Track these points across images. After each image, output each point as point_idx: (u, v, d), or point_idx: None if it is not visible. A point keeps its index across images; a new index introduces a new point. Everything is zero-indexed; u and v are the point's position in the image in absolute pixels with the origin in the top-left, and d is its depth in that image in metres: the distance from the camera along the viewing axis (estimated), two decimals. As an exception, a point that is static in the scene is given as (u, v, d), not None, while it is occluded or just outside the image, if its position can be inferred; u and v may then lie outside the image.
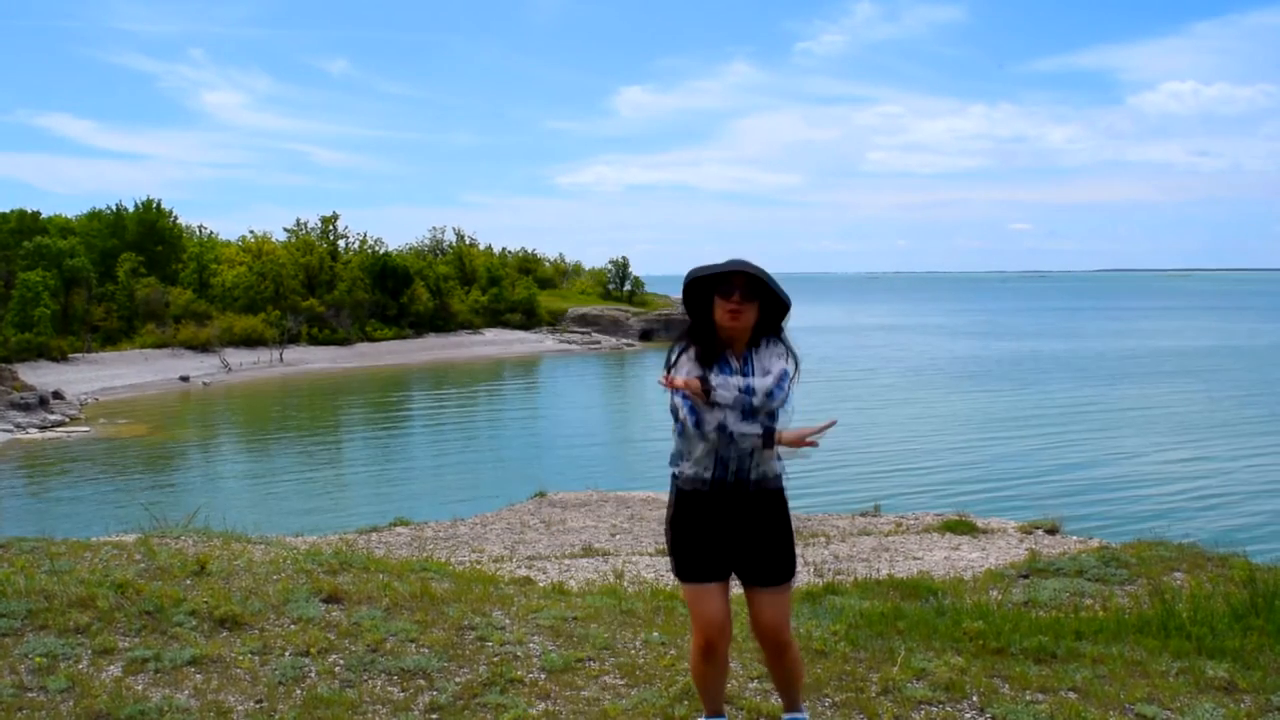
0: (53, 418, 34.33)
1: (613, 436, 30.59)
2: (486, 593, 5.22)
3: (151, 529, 6.72)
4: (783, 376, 2.94)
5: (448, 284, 71.81)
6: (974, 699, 3.74)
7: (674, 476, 3.05)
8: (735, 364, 2.98)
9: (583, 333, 71.61)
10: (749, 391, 2.88)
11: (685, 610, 5.15)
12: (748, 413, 2.89)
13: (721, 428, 2.89)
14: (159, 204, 62.41)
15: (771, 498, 3.04)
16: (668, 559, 3.17)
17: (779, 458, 3.06)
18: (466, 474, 25.83)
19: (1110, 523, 16.67)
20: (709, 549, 3.01)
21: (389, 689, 3.67)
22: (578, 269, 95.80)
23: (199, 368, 49.04)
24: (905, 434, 29.88)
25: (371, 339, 62.16)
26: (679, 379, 2.91)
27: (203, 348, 52.42)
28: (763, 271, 2.96)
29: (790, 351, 3.03)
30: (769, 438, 2.91)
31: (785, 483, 3.10)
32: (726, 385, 2.88)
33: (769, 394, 2.90)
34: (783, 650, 3.12)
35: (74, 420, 34.82)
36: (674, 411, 2.99)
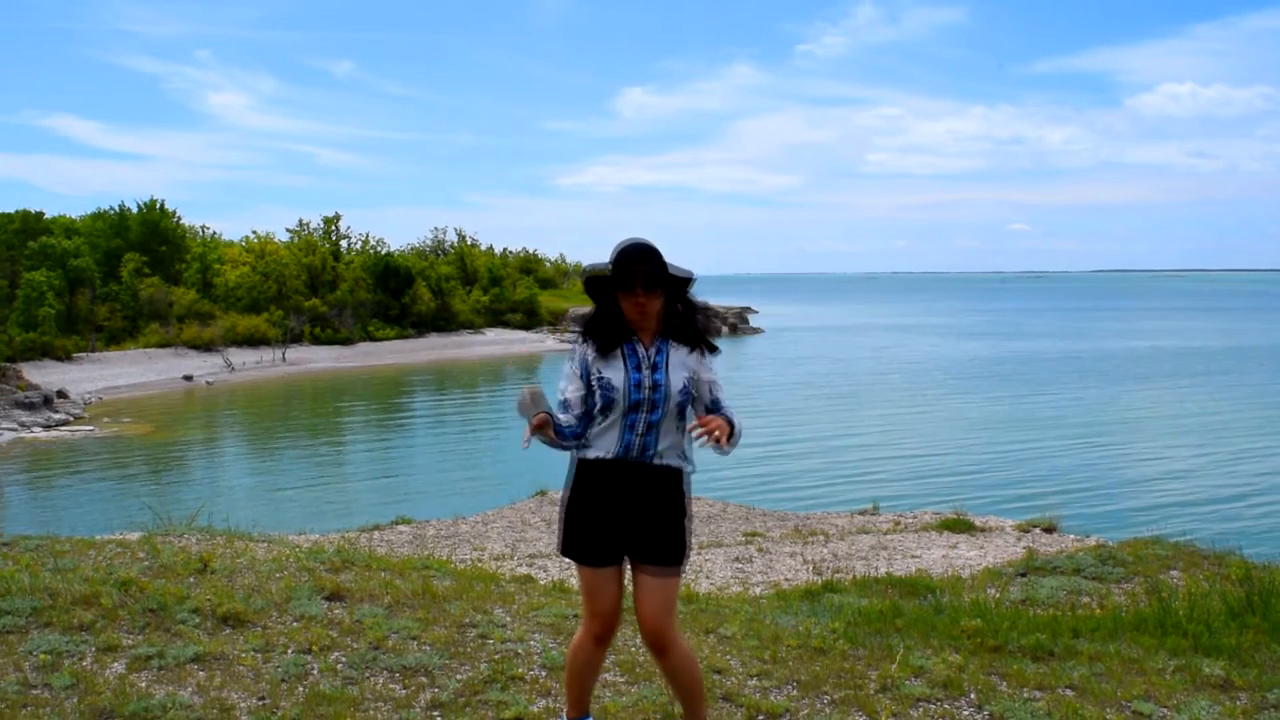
0: (57, 417, 34.37)
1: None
2: (488, 590, 5.25)
3: (155, 527, 6.74)
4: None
5: (449, 284, 71.81)
6: (972, 696, 3.76)
7: (576, 455, 3.04)
8: (644, 354, 2.98)
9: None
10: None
11: (686, 607, 5.18)
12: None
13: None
14: (163, 204, 62.49)
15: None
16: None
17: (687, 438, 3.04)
18: (468, 472, 25.84)
19: (1107, 521, 16.66)
20: (607, 528, 2.99)
21: (391, 686, 3.70)
22: (578, 269, 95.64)
23: (202, 367, 49.04)
24: (903, 433, 29.85)
25: (374, 339, 62.16)
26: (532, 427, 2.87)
27: (206, 347, 52.42)
28: (657, 253, 2.91)
29: (704, 348, 3.05)
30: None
31: (688, 469, 3.06)
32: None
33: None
34: (660, 653, 3.00)
35: (78, 419, 34.83)
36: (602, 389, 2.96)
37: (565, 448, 3.01)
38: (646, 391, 2.96)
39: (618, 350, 2.99)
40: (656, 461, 2.98)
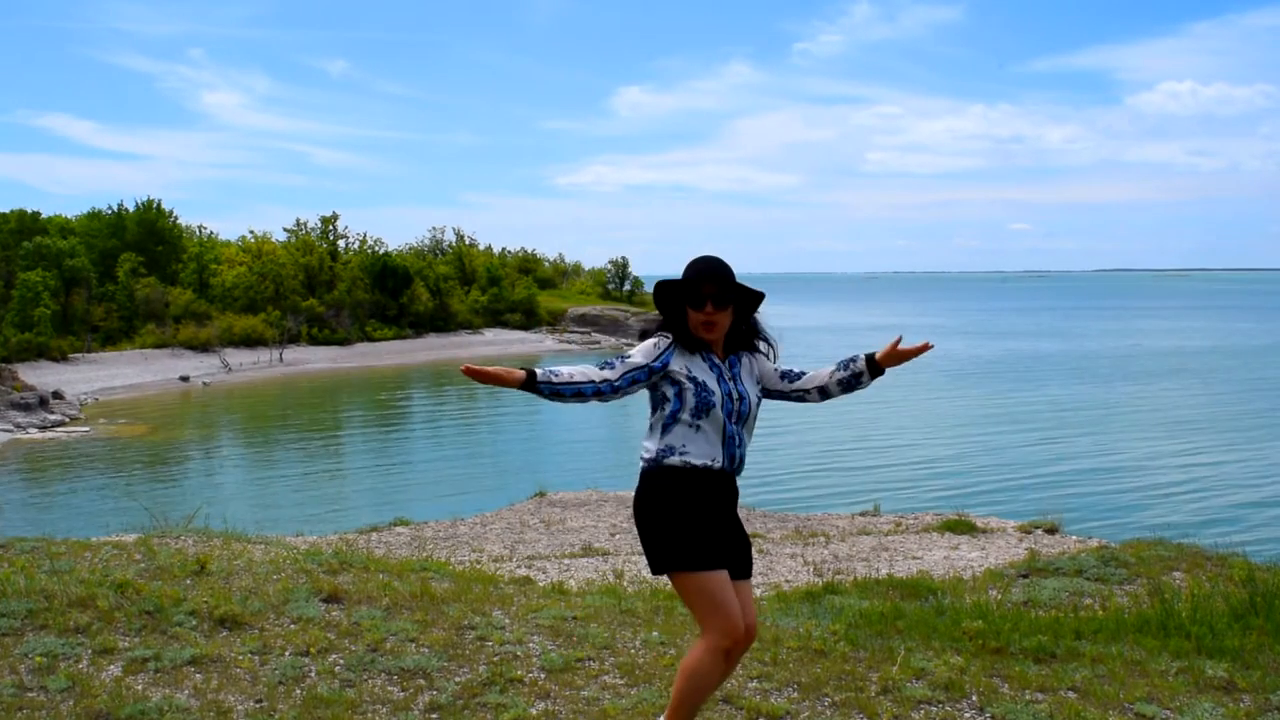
0: (53, 418, 34.29)
1: (613, 436, 30.56)
2: (486, 592, 5.23)
3: (151, 529, 6.71)
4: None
5: (447, 284, 71.73)
6: (973, 698, 3.74)
7: (661, 462, 2.92)
8: (722, 366, 3.01)
9: (582, 333, 71.60)
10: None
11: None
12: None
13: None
14: (159, 204, 62.31)
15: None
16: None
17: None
18: (466, 473, 25.81)
19: (1109, 522, 16.65)
20: (719, 536, 2.96)
21: (389, 689, 3.67)
22: (577, 269, 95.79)
23: (199, 368, 48.98)
24: (905, 434, 29.85)
25: (371, 339, 62.09)
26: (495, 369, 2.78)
27: (203, 348, 52.35)
28: (728, 271, 2.95)
29: (772, 350, 3.16)
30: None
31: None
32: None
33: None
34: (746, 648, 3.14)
35: (74, 420, 34.76)
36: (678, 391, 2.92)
37: (554, 399, 2.83)
38: (735, 402, 2.97)
39: (698, 355, 2.98)
40: (740, 471, 3.04)
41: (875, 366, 3.07)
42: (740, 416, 2.98)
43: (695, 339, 2.97)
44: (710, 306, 2.91)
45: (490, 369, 2.78)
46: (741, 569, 3.02)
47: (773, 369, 3.13)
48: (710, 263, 2.94)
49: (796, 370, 3.14)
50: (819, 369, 3.16)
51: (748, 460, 3.05)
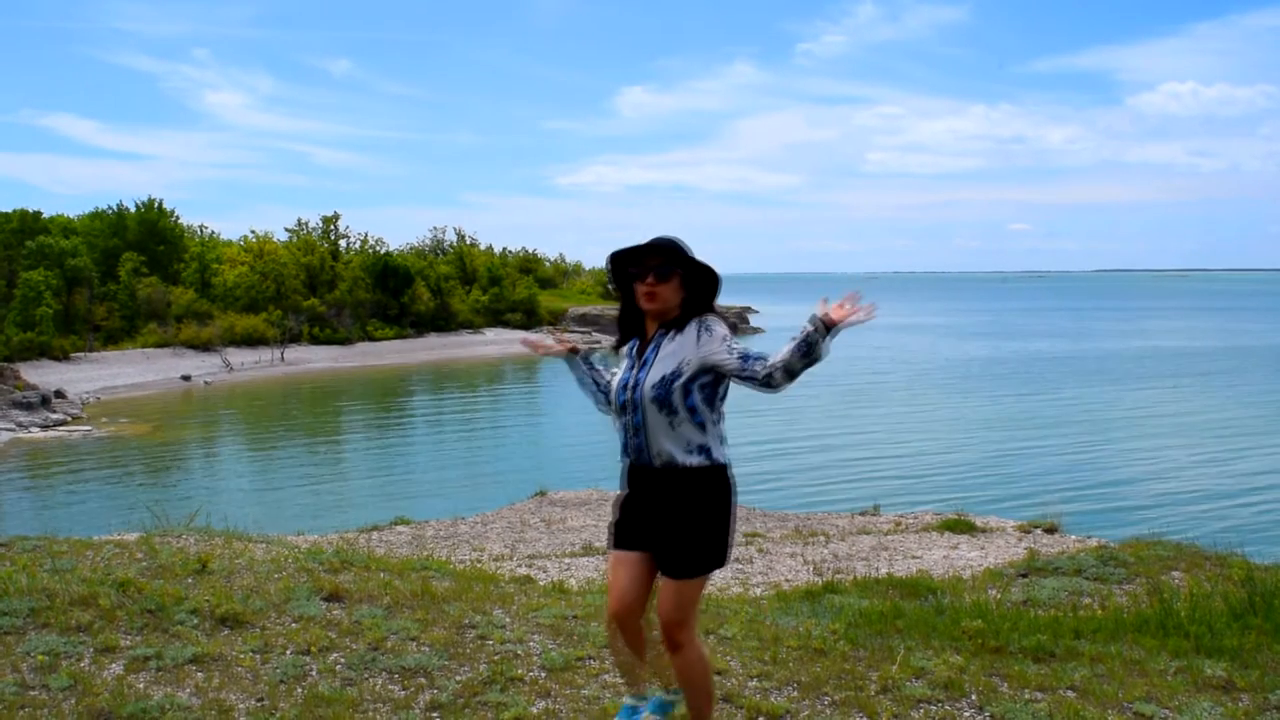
0: (55, 417, 34.33)
1: (613, 436, 30.58)
2: (487, 591, 5.23)
3: (153, 528, 6.72)
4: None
5: (449, 284, 71.80)
6: (973, 697, 3.75)
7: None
8: (644, 347, 3.02)
9: (583, 332, 71.59)
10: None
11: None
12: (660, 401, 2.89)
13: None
14: (160, 204, 62.47)
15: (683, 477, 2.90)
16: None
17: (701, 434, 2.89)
18: (467, 473, 25.82)
19: (1109, 522, 16.63)
20: (634, 520, 3.05)
21: (390, 687, 3.68)
22: (578, 269, 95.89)
23: (200, 367, 49.03)
24: (905, 433, 29.84)
25: (373, 338, 62.17)
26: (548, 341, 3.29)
27: (204, 347, 52.43)
28: (677, 246, 2.94)
29: (703, 330, 2.91)
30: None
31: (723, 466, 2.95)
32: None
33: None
34: (672, 650, 2.97)
35: (76, 419, 34.80)
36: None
37: (588, 388, 3.24)
38: (629, 392, 2.96)
39: (633, 343, 3.09)
40: (658, 463, 2.92)
41: (828, 324, 2.78)
42: (634, 405, 2.93)
43: (629, 330, 3.10)
44: (652, 277, 2.92)
45: (546, 341, 3.21)
46: (665, 564, 2.95)
47: (726, 349, 2.85)
48: (660, 239, 2.98)
49: (765, 354, 2.84)
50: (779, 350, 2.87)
51: (720, 456, 2.92)
